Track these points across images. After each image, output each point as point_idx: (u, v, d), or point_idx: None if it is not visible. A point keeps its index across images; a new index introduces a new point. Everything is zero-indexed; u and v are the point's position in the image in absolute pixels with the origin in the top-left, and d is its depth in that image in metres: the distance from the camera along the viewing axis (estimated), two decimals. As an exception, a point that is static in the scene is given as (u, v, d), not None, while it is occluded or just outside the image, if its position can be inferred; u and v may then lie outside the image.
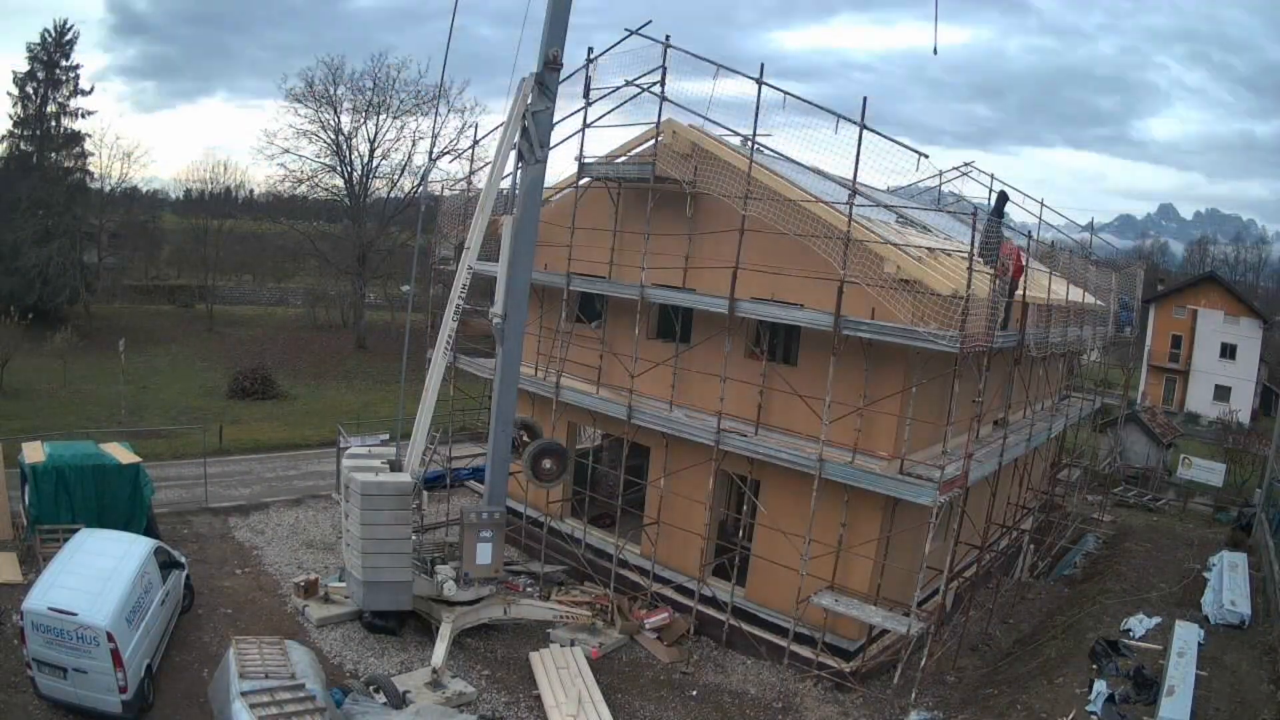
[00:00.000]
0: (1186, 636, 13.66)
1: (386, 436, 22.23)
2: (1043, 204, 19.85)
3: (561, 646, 13.77)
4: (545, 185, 16.84)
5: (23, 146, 42.72)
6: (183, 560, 14.09)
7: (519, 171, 13.88)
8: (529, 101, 13.12)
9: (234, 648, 11.12)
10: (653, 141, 15.60)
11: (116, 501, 15.35)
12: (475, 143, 20.21)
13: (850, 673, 13.53)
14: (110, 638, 10.42)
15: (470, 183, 19.66)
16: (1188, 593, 17.22)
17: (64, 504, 14.88)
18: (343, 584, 15.13)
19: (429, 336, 15.11)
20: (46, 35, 42.07)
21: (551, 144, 14.15)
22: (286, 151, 45.36)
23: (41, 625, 10.53)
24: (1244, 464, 31.61)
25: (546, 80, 13.15)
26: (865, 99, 12.61)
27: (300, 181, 46.73)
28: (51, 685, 10.77)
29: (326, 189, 47.49)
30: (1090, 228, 24.33)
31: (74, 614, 10.47)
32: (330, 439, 23.61)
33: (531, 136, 13.22)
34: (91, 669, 10.48)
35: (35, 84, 42.12)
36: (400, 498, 13.05)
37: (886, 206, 15.72)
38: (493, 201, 13.55)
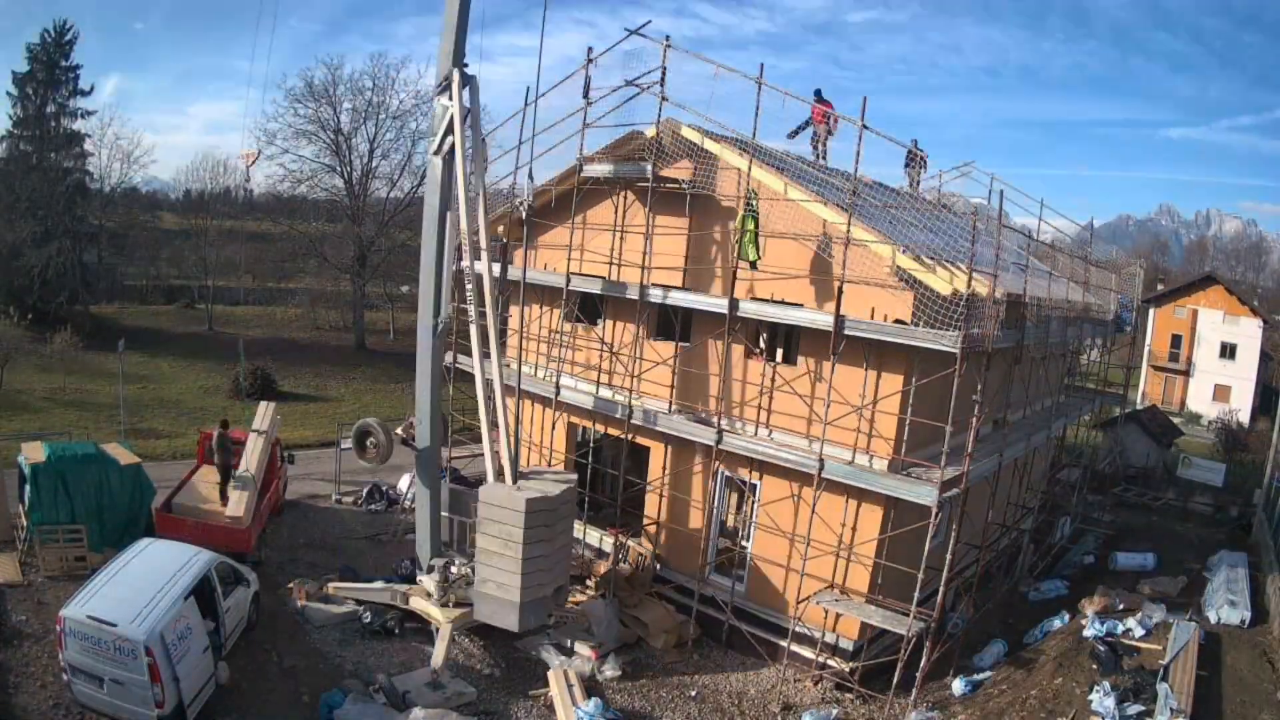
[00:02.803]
0: (1186, 636, 13.65)
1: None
2: (1042, 204, 19.84)
3: (561, 667, 13.46)
4: (547, 184, 17.02)
5: (22, 147, 42.73)
6: (250, 577, 13.78)
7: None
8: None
9: None
10: (645, 136, 15.58)
11: (116, 502, 15.33)
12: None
13: (850, 673, 13.54)
14: (149, 652, 10.20)
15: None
16: (1188, 593, 17.21)
17: (64, 505, 14.85)
18: (345, 583, 15.14)
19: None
20: (46, 35, 42.10)
21: (555, 144, 14.20)
22: (286, 152, 45.44)
23: (79, 633, 10.40)
24: (1244, 463, 31.62)
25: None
26: (865, 99, 12.64)
27: (300, 181, 46.77)
28: (87, 693, 10.64)
29: (326, 189, 47.52)
30: (1090, 227, 24.35)
31: (113, 625, 10.30)
32: (330, 439, 23.62)
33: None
34: (129, 681, 10.30)
35: (35, 84, 42.13)
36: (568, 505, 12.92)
37: (885, 206, 15.71)
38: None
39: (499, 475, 12.83)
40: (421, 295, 13.83)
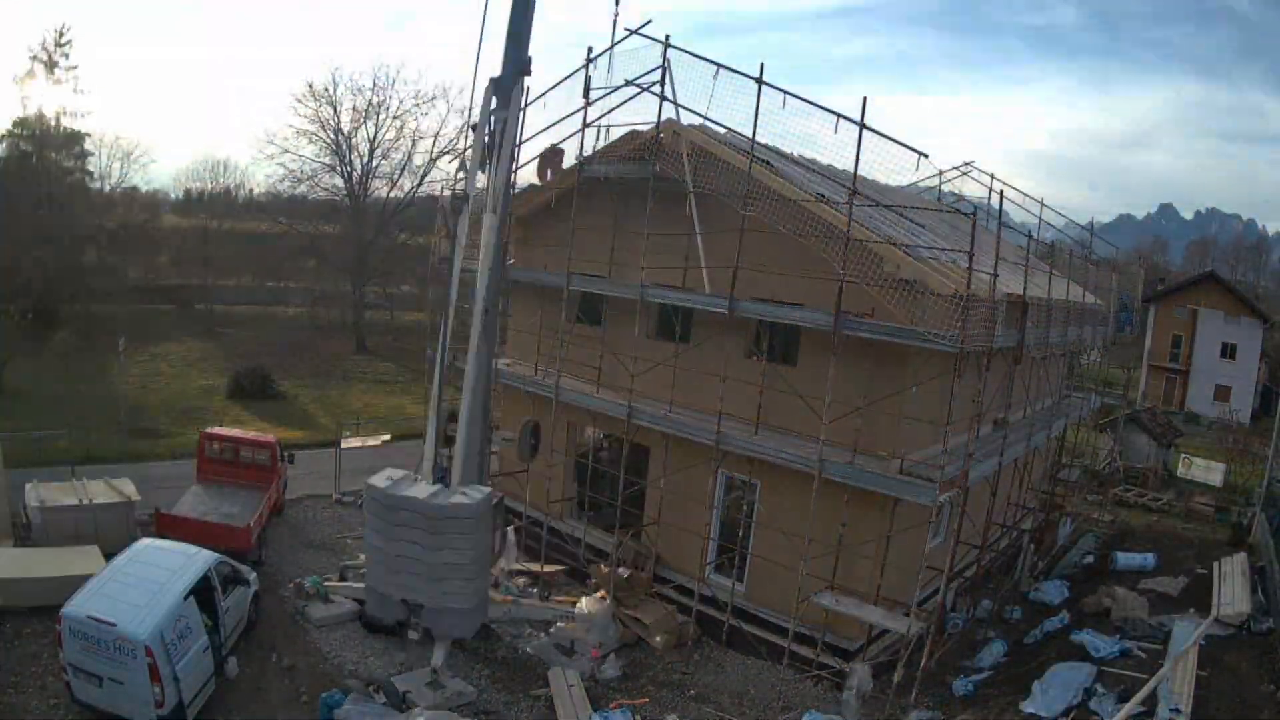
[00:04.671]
0: (1186, 636, 13.65)
1: (388, 437, 22.31)
2: (1042, 204, 19.86)
3: (561, 667, 13.51)
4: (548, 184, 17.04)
5: (22, 146, 42.73)
6: (250, 577, 13.74)
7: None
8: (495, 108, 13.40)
9: None
10: (646, 135, 15.58)
11: None
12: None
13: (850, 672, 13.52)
14: (148, 652, 10.20)
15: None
16: (1188, 593, 17.21)
17: None
18: (344, 583, 15.14)
19: (429, 337, 15.17)
20: (46, 36, 42.12)
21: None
22: (286, 151, 45.50)
23: (79, 632, 10.39)
24: (1244, 463, 31.59)
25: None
26: (865, 98, 12.60)
27: (300, 181, 46.84)
28: (86, 691, 10.62)
29: (326, 189, 47.55)
30: (1090, 227, 24.31)
31: (113, 624, 10.29)
32: (329, 439, 23.63)
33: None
34: (129, 680, 10.29)
35: (35, 84, 42.14)
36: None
37: (886, 206, 15.70)
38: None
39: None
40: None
